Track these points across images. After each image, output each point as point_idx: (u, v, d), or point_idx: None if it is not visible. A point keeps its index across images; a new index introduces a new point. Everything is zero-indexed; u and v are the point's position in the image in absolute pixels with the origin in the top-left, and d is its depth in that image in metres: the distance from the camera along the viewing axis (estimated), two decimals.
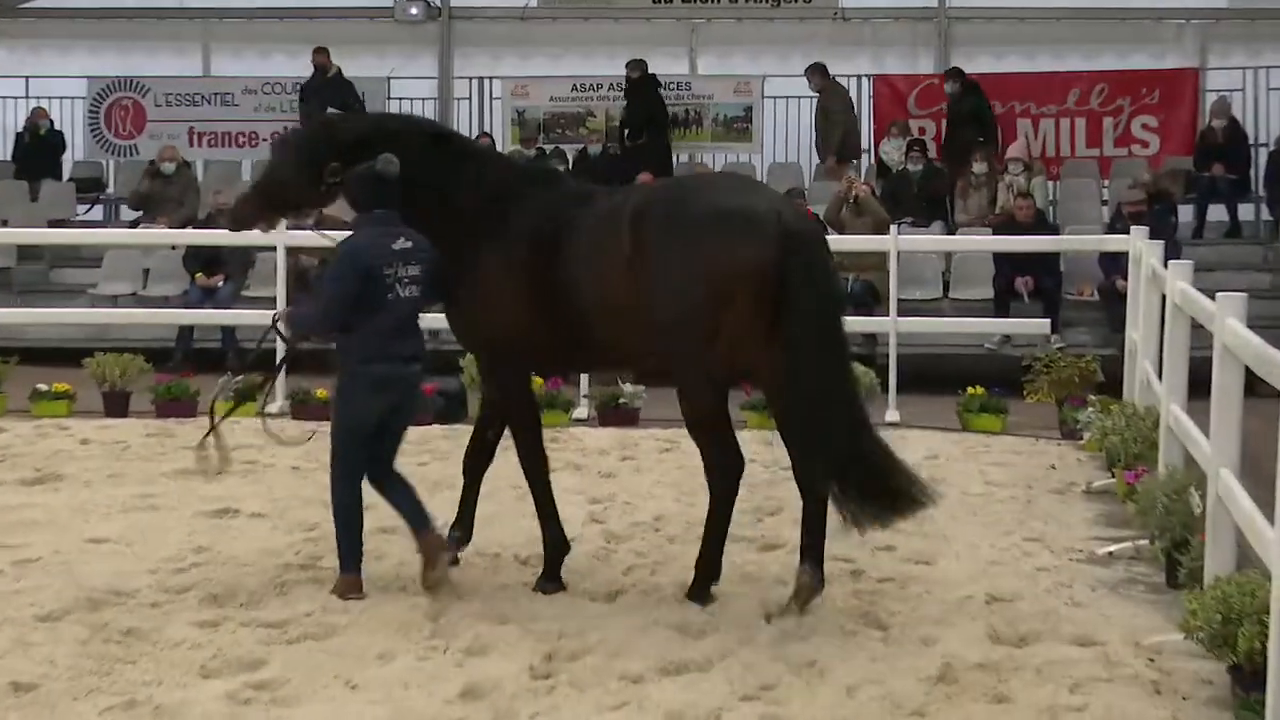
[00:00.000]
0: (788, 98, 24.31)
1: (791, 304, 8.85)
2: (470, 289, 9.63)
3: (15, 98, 25.36)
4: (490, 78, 25.02)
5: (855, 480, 9.18)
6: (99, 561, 9.99)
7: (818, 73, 23.40)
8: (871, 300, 19.19)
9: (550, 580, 9.61)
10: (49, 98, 24.92)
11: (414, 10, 25.06)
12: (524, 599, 9.23)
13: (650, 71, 23.50)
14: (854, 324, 18.64)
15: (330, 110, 22.36)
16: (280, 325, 9.87)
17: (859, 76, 24.17)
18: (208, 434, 9.90)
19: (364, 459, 9.45)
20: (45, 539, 10.53)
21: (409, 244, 9.35)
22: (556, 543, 9.76)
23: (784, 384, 9.09)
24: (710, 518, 9.31)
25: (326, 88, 23.66)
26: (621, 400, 15.63)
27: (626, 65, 23.54)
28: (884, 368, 16.32)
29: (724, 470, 9.31)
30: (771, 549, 10.50)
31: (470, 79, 25.13)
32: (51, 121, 24.43)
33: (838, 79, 23.70)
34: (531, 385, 10.35)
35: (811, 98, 23.83)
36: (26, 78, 25.52)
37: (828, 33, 24.73)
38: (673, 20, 25.11)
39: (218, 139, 24.85)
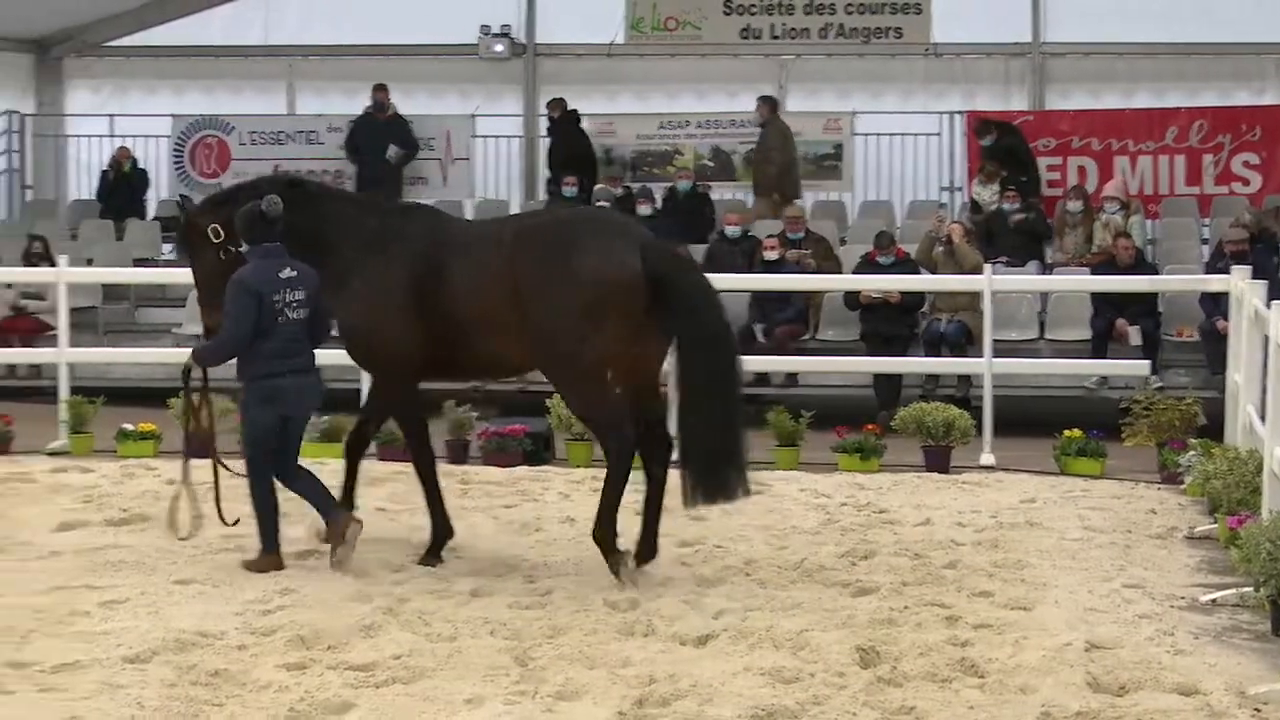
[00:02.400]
0: (879, 135, 24.30)
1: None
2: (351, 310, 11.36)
3: (101, 136, 25.67)
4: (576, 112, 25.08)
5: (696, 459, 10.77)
6: (186, 603, 10.09)
7: (767, 105, 23.43)
8: (965, 341, 19.15)
9: (433, 556, 11.34)
10: (134, 136, 25.22)
11: (498, 47, 25.21)
12: (614, 643, 9.25)
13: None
14: (948, 365, 18.72)
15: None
16: (191, 370, 11.33)
17: (950, 113, 24.13)
18: (176, 497, 11.52)
19: (270, 457, 11.01)
20: (132, 580, 10.64)
21: (294, 272, 10.90)
22: (441, 529, 11.52)
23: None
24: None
25: (379, 127, 23.87)
26: None
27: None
28: (979, 410, 16.27)
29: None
30: (865, 594, 10.47)
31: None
32: (136, 160, 24.70)
33: (930, 114, 23.72)
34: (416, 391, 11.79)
35: (906, 134, 23.84)
36: (112, 116, 25.84)
37: (919, 69, 24.73)
38: (761, 56, 25.15)
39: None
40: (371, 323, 11.33)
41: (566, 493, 14.03)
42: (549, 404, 15.74)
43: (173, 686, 8.35)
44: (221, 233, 11.48)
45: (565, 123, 24.10)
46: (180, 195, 12.85)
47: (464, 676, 8.60)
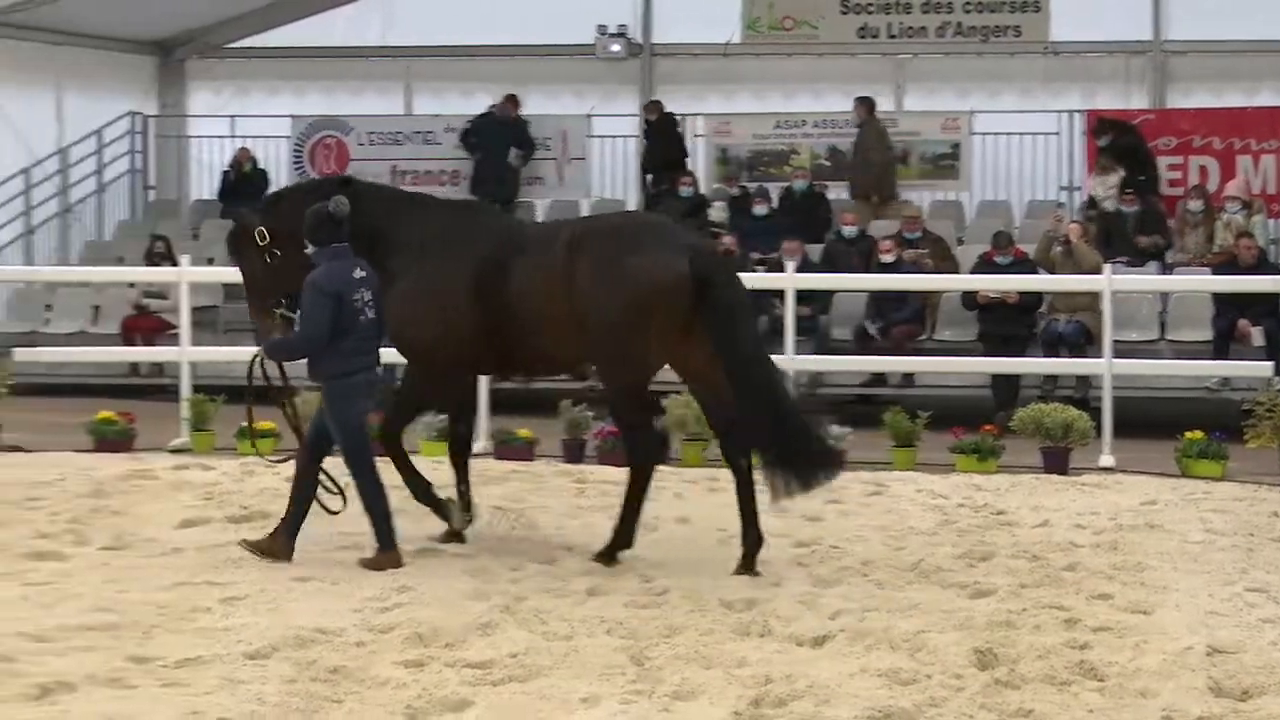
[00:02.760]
0: (997, 134, 24.13)
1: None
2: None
3: (222, 137, 25.93)
4: (692, 115, 25.11)
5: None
6: (305, 600, 10.16)
7: (864, 106, 23.29)
8: (1084, 342, 18.99)
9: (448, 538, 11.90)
10: (254, 137, 25.46)
11: (615, 47, 25.26)
12: (730, 643, 9.23)
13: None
14: (1067, 366, 18.57)
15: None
16: (263, 361, 11.44)
17: (1069, 112, 23.93)
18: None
19: (370, 450, 11.16)
20: (252, 577, 10.73)
21: (364, 272, 11.05)
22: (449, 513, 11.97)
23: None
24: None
25: (498, 126, 23.96)
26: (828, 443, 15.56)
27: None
28: (1098, 411, 16.14)
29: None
30: (982, 595, 10.40)
31: (673, 116, 25.20)
32: (255, 160, 24.93)
33: (1049, 113, 23.55)
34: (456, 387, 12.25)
35: (1024, 134, 23.68)
36: (233, 117, 26.11)
37: (1038, 67, 24.55)
38: (879, 55, 25.06)
39: (420, 178, 25.17)
40: (424, 318, 11.62)
41: (681, 493, 14.02)
42: (665, 403, 15.74)
43: (292, 683, 8.41)
44: (267, 236, 11.70)
45: (662, 124, 24.08)
46: (231, 210, 12.95)
47: (580, 675, 8.60)
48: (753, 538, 11.26)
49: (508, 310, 11.42)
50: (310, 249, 11.05)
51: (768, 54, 25.24)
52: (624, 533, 11.40)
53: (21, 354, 18.43)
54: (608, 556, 11.30)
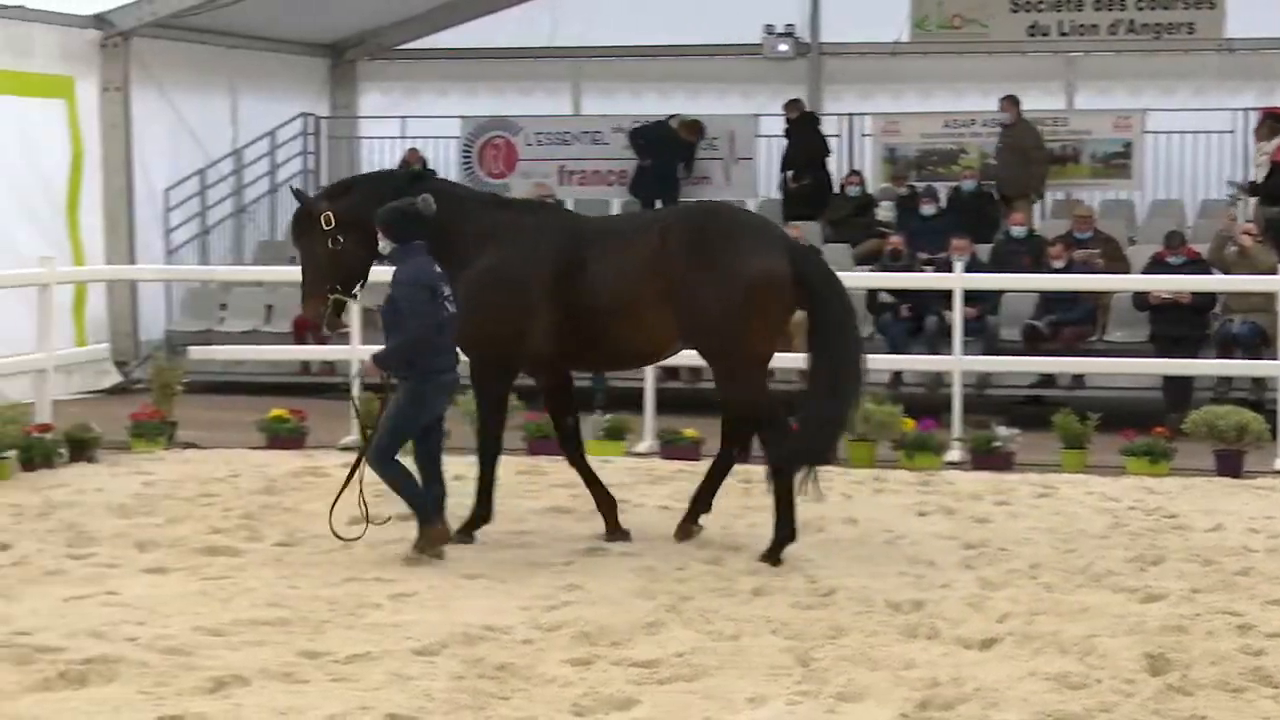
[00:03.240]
0: (1170, 133, 23.80)
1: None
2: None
3: (392, 138, 26.18)
4: (860, 114, 25.00)
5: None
6: (473, 597, 10.24)
7: (1012, 104, 22.95)
8: (1259, 343, 18.68)
9: (464, 534, 11.86)
10: (424, 137, 25.68)
11: (783, 47, 25.21)
12: (897, 644, 9.19)
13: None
14: (1241, 368, 18.28)
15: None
16: (372, 372, 11.45)
17: (1245, 110, 23.54)
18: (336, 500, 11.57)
19: (397, 450, 11.21)
20: (421, 574, 10.84)
21: (439, 269, 11.08)
22: (484, 514, 12.02)
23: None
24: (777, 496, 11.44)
25: (671, 139, 23.99)
26: (996, 444, 15.47)
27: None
28: (1273, 413, 15.86)
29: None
30: (1154, 600, 10.27)
31: (839, 116, 25.15)
32: (425, 161, 25.11)
33: (1224, 111, 23.20)
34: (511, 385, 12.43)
35: (1198, 132, 23.34)
36: (403, 118, 26.35)
37: (1212, 65, 24.19)
38: (1049, 54, 24.81)
39: (587, 177, 25.31)
40: (498, 315, 11.68)
41: (848, 493, 13.97)
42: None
43: (460, 679, 8.48)
44: (333, 220, 11.77)
45: (803, 124, 23.98)
46: (292, 187, 12.86)
47: (746, 675, 8.60)
48: (702, 509, 12.14)
49: (588, 304, 11.56)
50: (385, 244, 11.11)
51: (936, 53, 25.07)
52: (783, 530, 11.45)
53: (196, 352, 18.73)
54: (772, 556, 11.33)
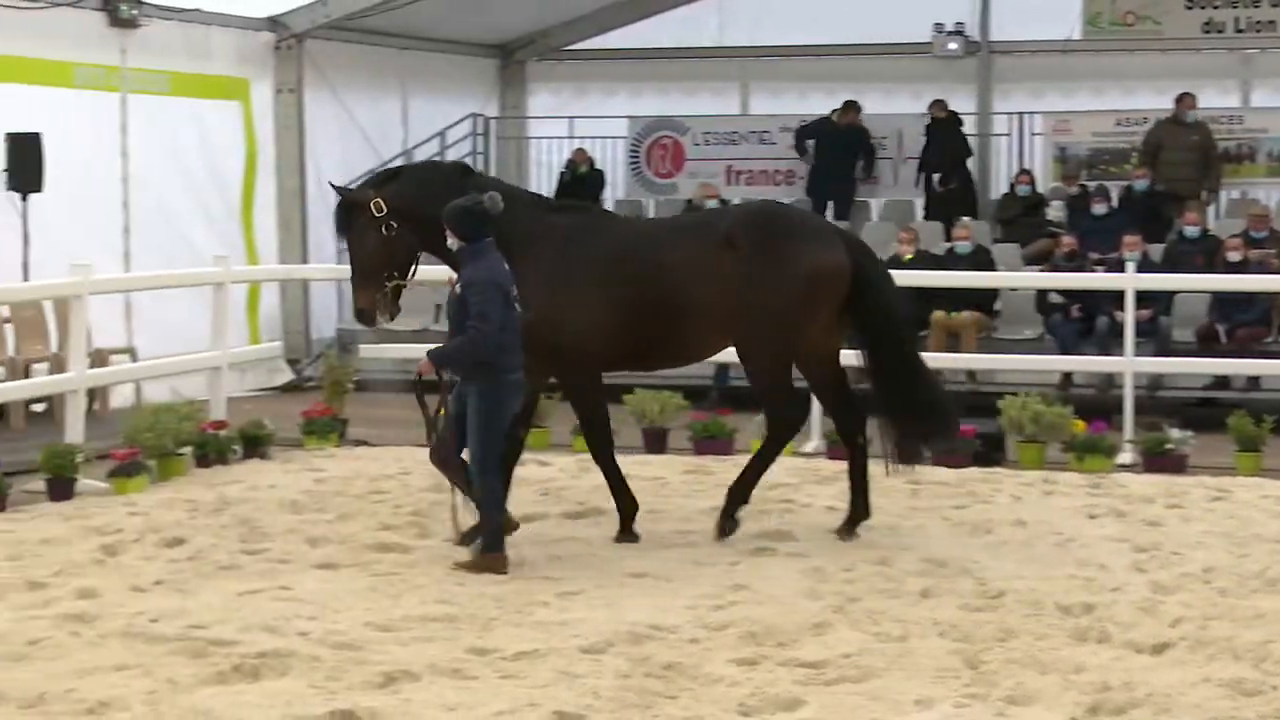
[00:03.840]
0: None
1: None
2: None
3: (560, 138, 26.31)
4: (1030, 113, 24.76)
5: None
6: (639, 596, 10.27)
7: (1192, 100, 22.49)
8: None
9: (626, 533, 11.91)
10: (592, 137, 25.77)
11: (952, 45, 25.01)
12: (1066, 648, 9.10)
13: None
14: None
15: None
16: (434, 371, 11.01)
17: None
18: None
19: (500, 453, 10.95)
20: (588, 572, 10.88)
21: (508, 268, 10.85)
22: (628, 507, 12.02)
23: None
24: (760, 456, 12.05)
25: (837, 132, 23.87)
26: (1168, 446, 15.25)
27: None
28: None
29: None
30: None
31: (1010, 115, 24.92)
32: (592, 162, 25.23)
33: None
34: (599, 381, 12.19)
35: None
36: (571, 118, 26.46)
37: None
38: (1224, 50, 24.41)
39: (754, 177, 25.27)
40: (562, 316, 11.64)
41: (1018, 495, 13.84)
42: (1000, 405, 15.57)
43: (626, 678, 8.51)
44: (384, 207, 11.68)
45: (947, 124, 23.75)
46: (330, 182, 12.54)
47: (913, 677, 8.56)
48: (860, 507, 12.17)
49: (655, 304, 11.67)
50: (453, 241, 10.93)
51: (1108, 50, 24.74)
52: (738, 494, 12.06)
53: (367, 350, 18.92)
54: (725, 525, 11.96)
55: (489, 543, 10.86)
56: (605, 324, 11.73)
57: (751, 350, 11.99)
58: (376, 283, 11.76)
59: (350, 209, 11.84)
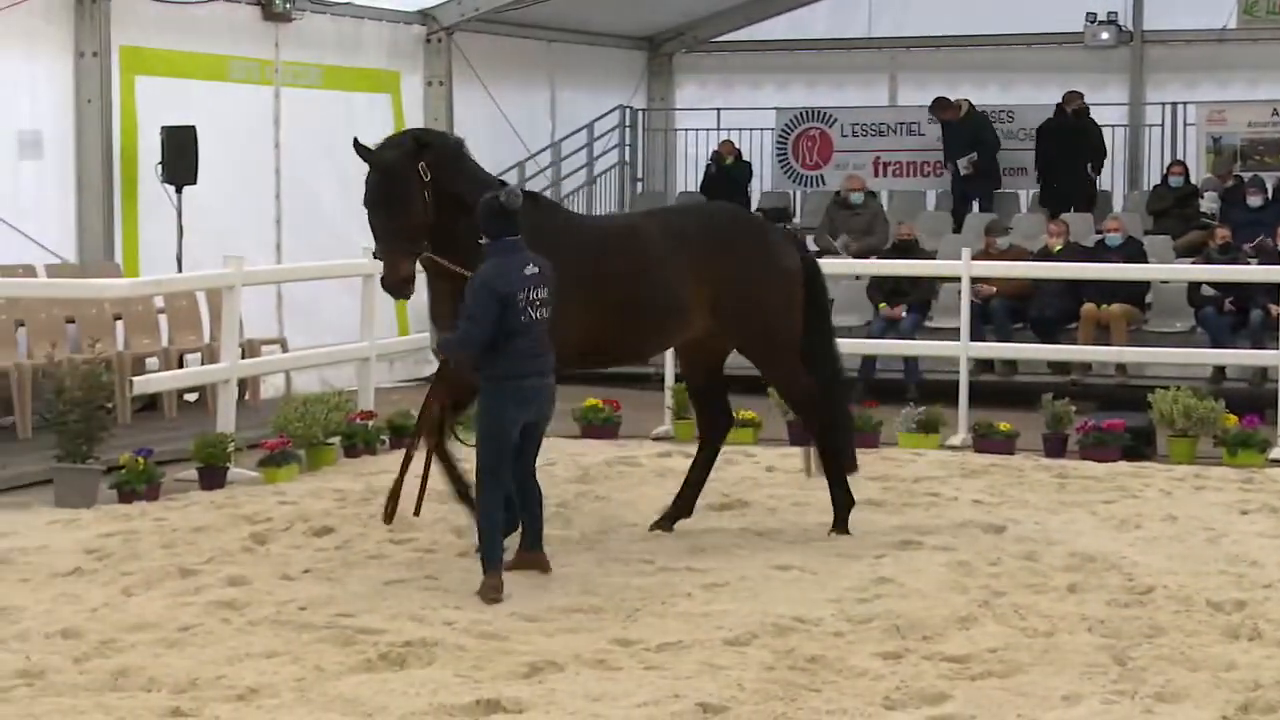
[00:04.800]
0: None
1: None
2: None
3: (706, 130, 26.30)
4: (1184, 103, 24.43)
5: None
6: (783, 588, 10.25)
7: None
8: None
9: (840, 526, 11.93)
10: (738, 129, 25.74)
11: (1104, 35, 24.74)
12: (1217, 645, 8.98)
13: None
14: None
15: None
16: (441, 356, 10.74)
17: None
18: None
19: (507, 465, 10.27)
20: (732, 564, 10.87)
21: (536, 269, 10.17)
22: (846, 501, 12.01)
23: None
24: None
25: (957, 127, 23.66)
26: None
27: None
28: None
29: None
30: None
31: (1162, 105, 24.61)
32: (739, 154, 25.20)
33: None
34: None
35: None
36: (718, 110, 26.45)
37: None
38: None
39: (903, 169, 25.14)
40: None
41: (1168, 490, 13.66)
42: (1150, 398, 15.38)
43: (770, 670, 8.50)
44: (429, 172, 10.87)
45: (1080, 115, 23.37)
46: (356, 140, 11.27)
47: (1060, 673, 8.48)
48: (684, 509, 12.16)
49: (631, 304, 11.40)
50: (484, 240, 10.24)
51: (1266, 39, 24.34)
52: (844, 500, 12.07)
53: None
54: (842, 526, 11.94)
55: (485, 563, 10.11)
56: (581, 323, 11.10)
57: (753, 349, 12.12)
58: (415, 252, 10.88)
59: (406, 168, 10.88)
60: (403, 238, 10.85)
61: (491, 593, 9.93)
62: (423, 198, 10.85)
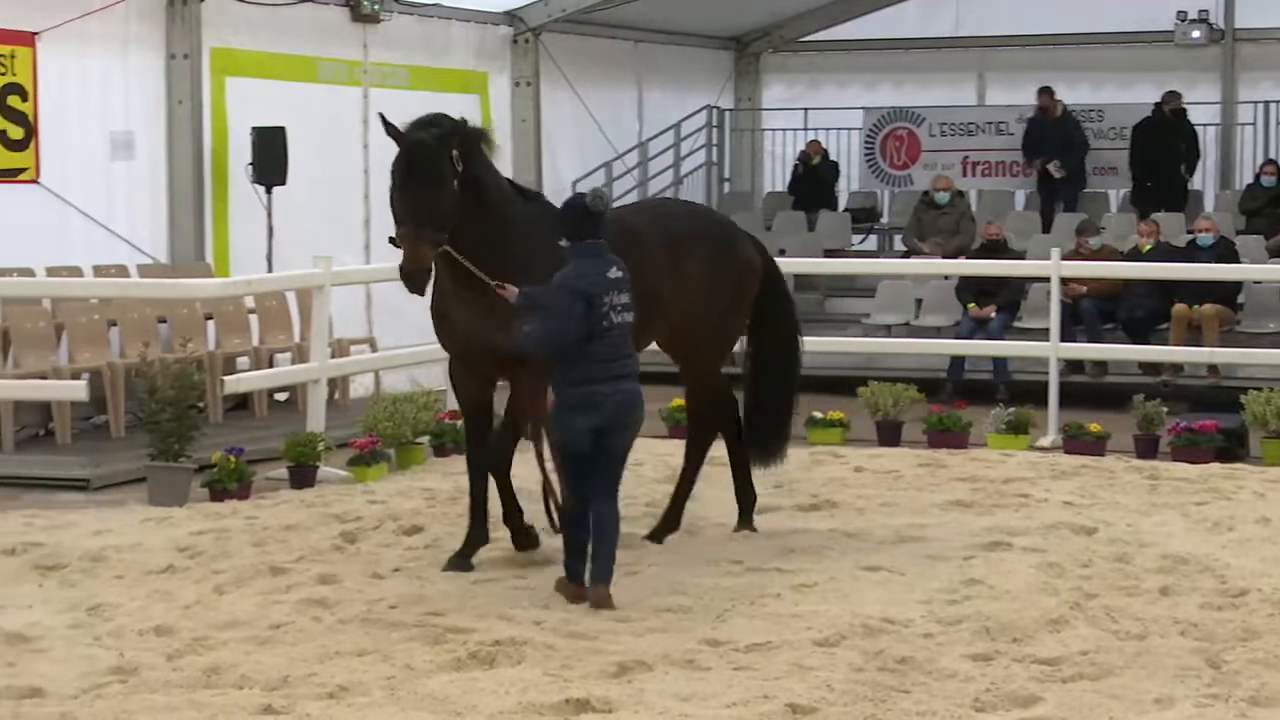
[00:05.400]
0: None
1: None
2: None
3: (793, 130, 26.26)
4: (1276, 102, 24.19)
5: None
6: (872, 589, 10.21)
7: None
8: None
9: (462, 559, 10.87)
10: (826, 129, 25.69)
11: (1195, 34, 24.54)
12: None
13: None
14: None
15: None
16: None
17: None
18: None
19: (581, 476, 9.90)
20: (821, 565, 10.84)
21: (620, 273, 9.89)
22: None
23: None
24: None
25: (1048, 126, 23.50)
26: None
27: None
28: None
29: None
30: None
31: (1255, 104, 24.40)
32: (826, 153, 25.15)
33: None
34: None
35: None
36: (805, 110, 26.41)
37: None
38: None
39: (991, 168, 25.01)
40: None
41: (1261, 491, 13.53)
42: (1243, 399, 15.24)
43: (860, 671, 8.47)
44: (461, 163, 10.39)
45: (1177, 116, 23.15)
46: (382, 116, 10.66)
47: (1153, 676, 8.42)
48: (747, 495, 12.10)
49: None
50: (564, 242, 9.96)
51: None
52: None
53: None
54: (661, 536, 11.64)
55: (568, 569, 9.98)
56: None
57: (698, 350, 11.78)
58: (438, 241, 10.28)
59: (438, 152, 10.33)
60: (429, 223, 10.22)
61: (576, 598, 9.81)
62: (453, 185, 10.34)
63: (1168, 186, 23.02)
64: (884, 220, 25.18)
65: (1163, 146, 23.03)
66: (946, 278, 20.84)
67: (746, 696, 8.02)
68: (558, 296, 9.80)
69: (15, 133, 16.64)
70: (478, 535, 11.00)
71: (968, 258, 20.64)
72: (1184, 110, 23.24)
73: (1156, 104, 23.25)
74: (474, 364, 10.99)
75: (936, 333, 20.65)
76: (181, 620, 9.47)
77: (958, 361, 19.47)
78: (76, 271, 16.48)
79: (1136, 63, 25.05)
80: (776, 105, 27.07)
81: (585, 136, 23.85)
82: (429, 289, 10.68)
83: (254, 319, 17.79)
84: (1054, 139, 23.56)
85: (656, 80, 25.55)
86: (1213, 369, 19.02)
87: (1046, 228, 22.99)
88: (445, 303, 10.88)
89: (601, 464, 9.93)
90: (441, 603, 9.81)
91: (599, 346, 9.79)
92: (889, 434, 16.09)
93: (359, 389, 18.48)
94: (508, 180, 11.29)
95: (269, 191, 18.21)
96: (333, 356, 16.19)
